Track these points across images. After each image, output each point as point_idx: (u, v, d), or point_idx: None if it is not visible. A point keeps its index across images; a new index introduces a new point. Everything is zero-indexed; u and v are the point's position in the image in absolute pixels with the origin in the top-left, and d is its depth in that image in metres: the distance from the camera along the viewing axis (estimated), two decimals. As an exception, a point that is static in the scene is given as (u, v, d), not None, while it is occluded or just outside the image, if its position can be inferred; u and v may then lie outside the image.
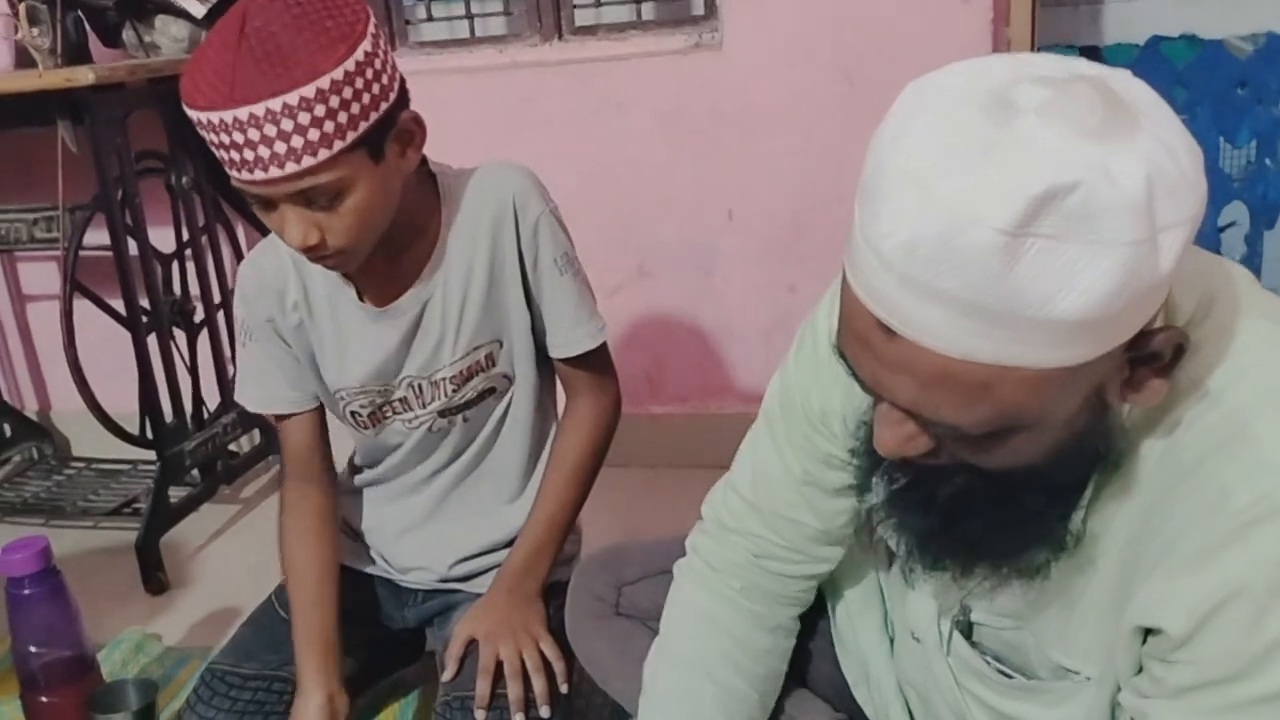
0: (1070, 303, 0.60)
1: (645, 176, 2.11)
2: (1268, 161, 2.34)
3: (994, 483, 0.73)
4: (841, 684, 1.11)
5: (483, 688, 1.21)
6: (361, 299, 1.25)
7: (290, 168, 1.03)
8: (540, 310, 1.27)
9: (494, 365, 1.28)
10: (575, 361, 1.31)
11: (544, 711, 1.21)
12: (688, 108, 2.05)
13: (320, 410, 1.35)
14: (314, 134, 1.02)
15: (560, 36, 2.10)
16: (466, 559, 1.37)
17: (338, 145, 1.04)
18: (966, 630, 0.89)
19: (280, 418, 1.34)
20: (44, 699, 1.35)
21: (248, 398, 1.34)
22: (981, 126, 0.61)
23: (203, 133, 1.05)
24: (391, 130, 1.10)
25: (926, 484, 0.77)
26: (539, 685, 1.21)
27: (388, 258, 1.22)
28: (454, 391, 1.28)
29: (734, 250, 2.13)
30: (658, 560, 1.13)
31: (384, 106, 1.07)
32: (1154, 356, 0.67)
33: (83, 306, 1.93)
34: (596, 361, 1.32)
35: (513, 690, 1.21)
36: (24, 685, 1.35)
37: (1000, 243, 0.59)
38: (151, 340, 1.99)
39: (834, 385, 0.92)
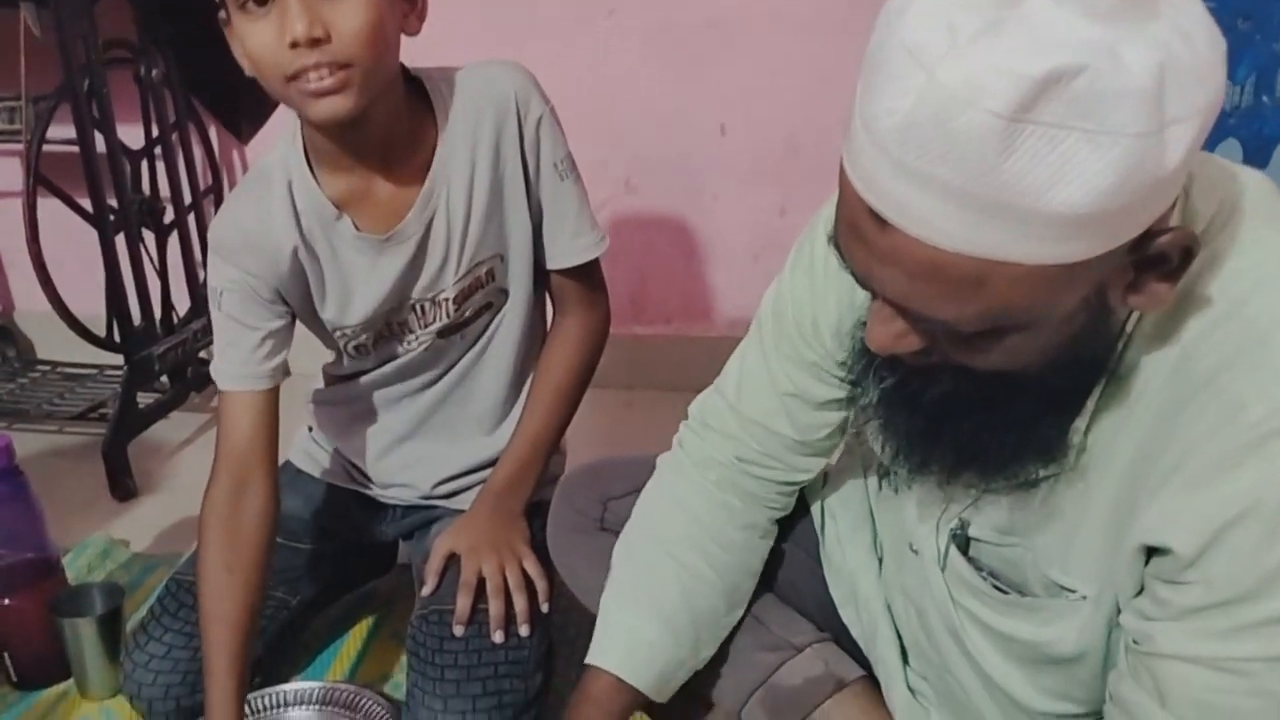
0: (1067, 196, 0.57)
1: (636, 88, 2.05)
2: (1265, 99, 2.30)
3: (985, 385, 0.71)
4: (828, 605, 1.10)
5: (463, 603, 1.18)
6: (358, 229, 1.16)
7: None
8: (540, 218, 1.22)
9: (493, 280, 1.24)
10: (571, 274, 1.27)
11: (524, 630, 1.19)
12: (682, 17, 1.99)
13: (274, 393, 1.19)
14: None
15: (552, -62, 2.02)
16: (450, 479, 1.34)
17: None
18: (964, 544, 0.87)
19: (226, 397, 1.19)
20: (6, 601, 1.32)
21: (217, 372, 1.19)
22: (987, 5, 0.57)
23: None
24: None
25: (915, 384, 0.75)
26: (520, 603, 1.19)
27: (382, 167, 1.14)
28: (455, 310, 1.23)
29: (725, 168, 2.08)
30: (644, 476, 1.11)
31: None
32: (1160, 259, 0.64)
33: (47, 205, 1.87)
34: (591, 275, 1.29)
35: (494, 607, 1.18)
36: (-15, 587, 1.32)
37: (997, 128, 0.56)
38: (119, 241, 1.92)
39: (827, 295, 0.91)
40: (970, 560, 0.87)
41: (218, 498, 1.17)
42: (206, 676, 1.13)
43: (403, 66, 1.13)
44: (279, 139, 1.18)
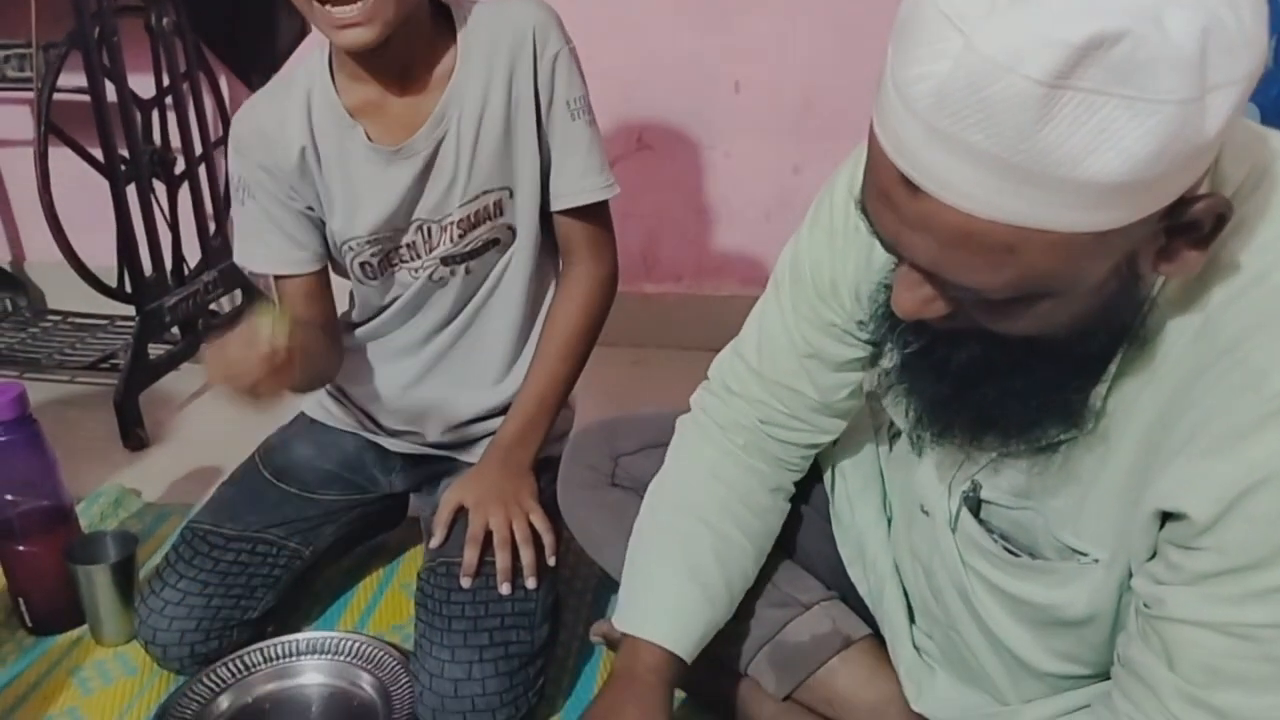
0: (1105, 163, 0.56)
1: (651, 42, 2.02)
2: (1285, 62, 2.27)
3: (1011, 351, 0.71)
4: (836, 563, 1.11)
5: (470, 556, 1.19)
6: (370, 140, 1.19)
7: None
8: (548, 155, 1.22)
9: (501, 215, 1.24)
10: (577, 217, 1.26)
11: (530, 583, 1.20)
12: (698, -30, 1.96)
13: (324, 273, 1.29)
14: None
15: (567, -113, 1.98)
16: (458, 425, 1.34)
17: None
18: (975, 507, 0.87)
19: (279, 279, 1.28)
20: (21, 548, 1.33)
21: (249, 257, 1.27)
22: None
23: None
24: None
25: (941, 349, 0.75)
26: (527, 556, 1.20)
27: (397, 87, 1.18)
28: (460, 237, 1.23)
29: (739, 125, 2.05)
30: (656, 433, 1.11)
31: None
32: (1192, 226, 0.63)
33: (58, 154, 1.85)
34: (598, 223, 1.28)
35: (500, 560, 1.19)
36: (0, 533, 1.33)
37: (1035, 94, 0.55)
38: (130, 191, 1.91)
39: (846, 256, 0.90)
40: (981, 522, 0.87)
41: None
42: None
43: None
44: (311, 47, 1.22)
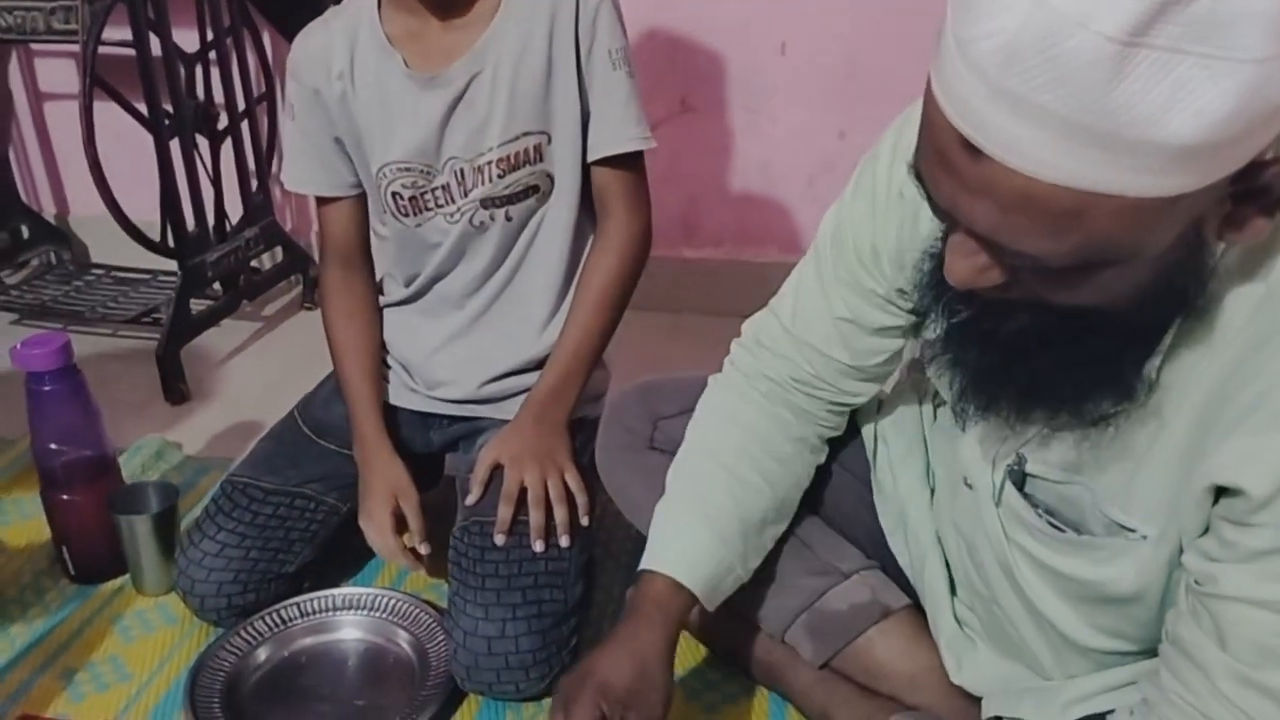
0: (1179, 125, 0.54)
1: (695, 4, 1.98)
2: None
3: (1064, 321, 0.69)
4: (877, 532, 1.10)
5: (504, 513, 1.20)
6: (408, 67, 1.22)
7: None
8: (587, 104, 1.23)
9: (540, 160, 1.24)
10: (614, 166, 1.26)
11: (564, 541, 1.20)
12: (746, -70, 1.92)
13: (361, 200, 1.34)
14: None
15: None
16: (496, 379, 1.34)
17: None
18: (1020, 481, 0.85)
19: (321, 202, 1.35)
20: (65, 497, 1.34)
21: (287, 174, 1.34)
22: None
23: None
24: None
25: (990, 319, 0.72)
26: (560, 514, 1.20)
27: (440, 18, 1.20)
28: (499, 177, 1.24)
29: (784, 87, 2.02)
30: (695, 396, 1.10)
31: None
32: (1263, 191, 0.61)
33: (103, 108, 1.85)
34: (634, 175, 1.28)
35: (534, 517, 1.19)
36: (44, 482, 1.35)
37: (1109, 51, 0.53)
38: (174, 146, 1.92)
39: (888, 222, 0.89)
40: (1026, 497, 0.85)
41: (333, 274, 1.37)
42: (349, 394, 1.34)
43: None
44: None
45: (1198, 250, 0.65)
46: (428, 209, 1.27)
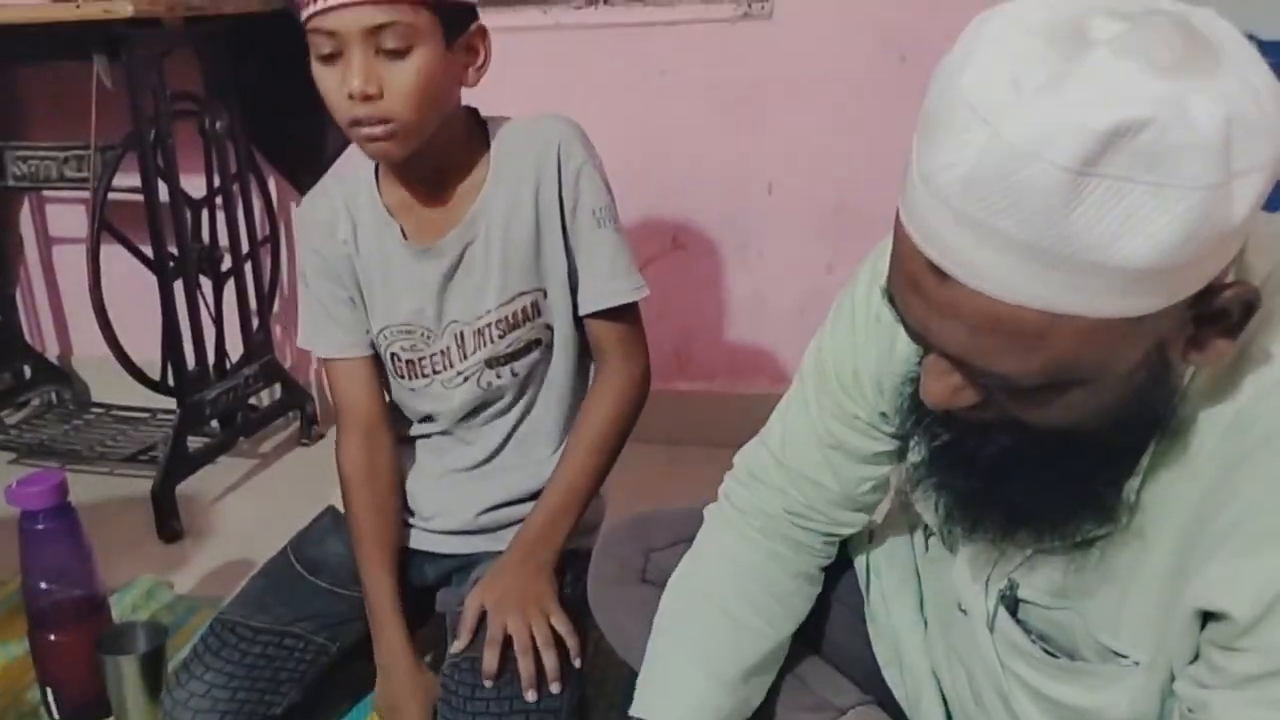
0: (1134, 249, 0.56)
1: (686, 146, 2.07)
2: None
3: (1042, 443, 0.70)
4: (872, 665, 1.08)
5: (489, 660, 1.18)
6: (405, 238, 1.26)
7: None
8: (575, 262, 1.26)
9: (539, 315, 1.27)
10: (607, 318, 1.28)
11: (555, 688, 1.18)
12: (733, 77, 2.01)
13: (373, 360, 1.33)
14: None
15: (606, 0, 2.06)
16: (493, 508, 1.34)
17: None
18: (1013, 606, 0.85)
19: (337, 367, 1.33)
20: (52, 637, 1.33)
21: (304, 337, 1.35)
22: (1051, 59, 0.57)
23: None
24: (468, 27, 1.16)
25: (970, 442, 0.74)
26: (550, 661, 1.18)
27: (432, 192, 1.24)
28: (499, 338, 1.26)
29: (772, 226, 2.08)
30: (688, 528, 1.10)
31: None
32: (1221, 314, 0.63)
33: (108, 252, 1.91)
34: (628, 324, 1.30)
35: (523, 667, 1.17)
36: (33, 623, 1.33)
37: (1063, 181, 0.55)
38: (177, 287, 1.97)
39: (868, 347, 0.91)
40: (1019, 622, 0.85)
41: (354, 453, 1.32)
42: (368, 584, 1.30)
43: (472, 110, 1.26)
44: None
45: (1164, 371, 0.67)
46: (423, 375, 1.30)
